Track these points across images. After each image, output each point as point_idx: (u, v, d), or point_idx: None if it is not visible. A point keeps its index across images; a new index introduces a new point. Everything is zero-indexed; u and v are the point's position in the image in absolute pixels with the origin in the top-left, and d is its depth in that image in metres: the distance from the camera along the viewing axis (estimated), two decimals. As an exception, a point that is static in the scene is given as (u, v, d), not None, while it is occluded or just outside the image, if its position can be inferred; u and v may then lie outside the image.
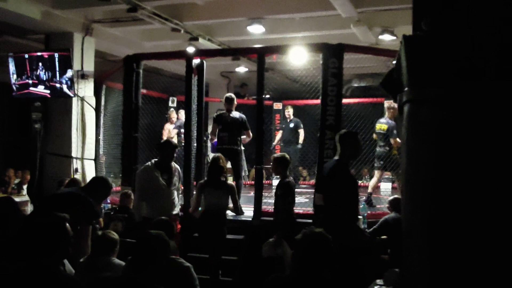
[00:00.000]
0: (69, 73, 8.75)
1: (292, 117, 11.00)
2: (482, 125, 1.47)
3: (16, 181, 10.84)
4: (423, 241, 1.67)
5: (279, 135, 11.64)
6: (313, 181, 11.76)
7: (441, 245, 1.59)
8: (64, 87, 8.77)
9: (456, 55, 1.48)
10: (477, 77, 1.47)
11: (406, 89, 1.69)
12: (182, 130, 9.79)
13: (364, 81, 12.83)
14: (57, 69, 8.72)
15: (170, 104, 11.74)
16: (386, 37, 9.25)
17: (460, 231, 1.55)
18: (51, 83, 8.84)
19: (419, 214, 1.66)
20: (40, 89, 8.92)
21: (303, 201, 8.52)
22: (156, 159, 6.07)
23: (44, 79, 8.86)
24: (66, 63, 8.73)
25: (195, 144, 7.55)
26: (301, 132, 10.76)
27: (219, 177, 5.92)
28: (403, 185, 1.77)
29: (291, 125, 10.88)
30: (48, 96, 8.99)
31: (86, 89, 9.42)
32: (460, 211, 1.53)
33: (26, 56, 8.90)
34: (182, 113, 10.19)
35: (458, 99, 1.49)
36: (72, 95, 8.90)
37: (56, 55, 8.69)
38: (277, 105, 12.63)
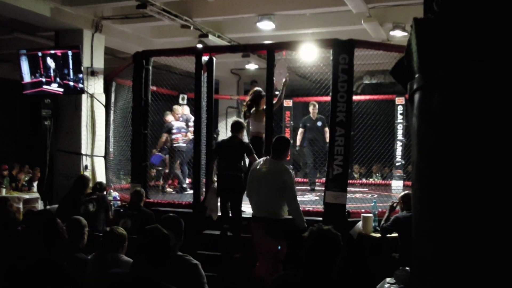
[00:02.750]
0: (80, 68, 8.75)
1: (317, 114, 10.06)
2: (497, 112, 1.40)
3: (27, 178, 10.90)
4: (432, 235, 1.60)
5: (300, 134, 10.16)
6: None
7: (450, 238, 1.53)
8: (78, 84, 8.78)
9: (469, 37, 1.41)
10: (492, 61, 1.40)
11: (416, 75, 1.62)
12: (190, 124, 9.75)
13: (376, 78, 12.74)
14: (71, 66, 8.73)
15: (180, 101, 11.71)
16: (398, 33, 9.16)
17: (472, 227, 1.49)
18: (64, 81, 8.85)
19: (430, 207, 1.60)
20: (54, 87, 8.94)
21: (313, 199, 8.49)
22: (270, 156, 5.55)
23: (58, 76, 8.86)
24: (79, 60, 8.74)
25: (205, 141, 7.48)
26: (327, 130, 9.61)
27: None
28: (413, 177, 1.71)
29: (319, 123, 9.93)
30: (61, 93, 9.00)
31: (96, 86, 9.44)
32: (474, 206, 1.47)
33: (40, 54, 8.92)
34: (184, 108, 10.11)
35: (472, 84, 1.42)
36: (82, 89, 8.91)
37: (70, 52, 8.70)
38: (287, 102, 12.57)
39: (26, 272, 2.80)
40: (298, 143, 10.16)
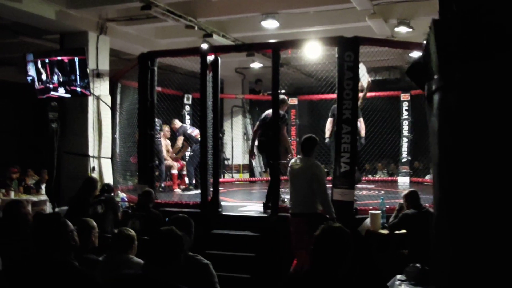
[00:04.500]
0: (87, 73, 8.77)
1: None
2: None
3: (34, 180, 10.94)
4: (452, 234, 1.60)
5: (329, 124, 8.61)
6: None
7: (471, 237, 1.52)
8: (85, 90, 8.80)
9: (490, 37, 1.41)
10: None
11: (435, 76, 1.62)
12: (190, 130, 9.91)
13: (380, 75, 12.73)
14: (78, 73, 8.74)
15: (185, 101, 11.75)
16: (402, 29, 9.13)
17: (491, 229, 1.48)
18: (71, 87, 8.86)
19: (451, 207, 1.60)
20: (61, 92, 8.96)
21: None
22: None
23: (65, 83, 8.88)
24: (85, 66, 8.76)
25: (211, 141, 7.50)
26: (362, 121, 8.64)
27: None
28: (434, 177, 1.70)
29: None
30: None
31: (102, 87, 9.46)
32: (496, 205, 1.46)
33: (47, 60, 8.93)
34: (176, 121, 10.21)
35: (493, 84, 1.42)
36: (89, 94, 8.93)
37: (76, 59, 8.69)
38: (292, 100, 12.56)
39: (36, 272, 2.82)
40: (327, 134, 8.65)
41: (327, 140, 8.65)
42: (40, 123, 9.21)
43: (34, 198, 9.94)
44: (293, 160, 6.06)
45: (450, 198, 1.57)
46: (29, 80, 9.14)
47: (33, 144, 12.36)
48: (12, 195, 9.69)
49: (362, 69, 7.65)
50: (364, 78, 7.82)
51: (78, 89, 8.82)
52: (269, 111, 7.38)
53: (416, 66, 1.80)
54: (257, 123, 7.83)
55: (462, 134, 1.47)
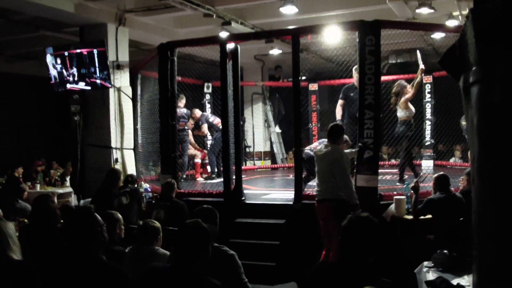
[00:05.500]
0: (106, 65, 8.78)
1: None
2: None
3: (59, 173, 11.09)
4: (494, 230, 1.56)
5: (340, 106, 8.41)
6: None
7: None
8: (105, 82, 8.83)
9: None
10: None
11: (474, 68, 1.56)
12: (212, 119, 9.96)
13: (402, 57, 12.53)
14: (97, 65, 8.76)
15: (205, 90, 11.74)
16: (424, 11, 8.94)
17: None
18: (91, 79, 8.89)
19: (492, 201, 1.55)
20: (81, 85, 8.99)
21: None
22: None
23: (84, 75, 8.92)
24: (105, 58, 8.77)
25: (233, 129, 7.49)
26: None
27: None
28: (474, 172, 1.65)
29: None
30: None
31: (122, 79, 9.49)
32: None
33: (66, 53, 8.96)
34: (196, 111, 10.27)
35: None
36: (109, 86, 8.95)
37: (95, 51, 8.71)
38: (313, 86, 12.46)
39: (67, 266, 2.86)
40: (338, 117, 8.41)
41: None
42: (63, 116, 9.27)
43: (60, 191, 10.07)
44: (318, 147, 6.02)
45: (491, 193, 1.52)
46: (49, 75, 9.20)
47: (57, 137, 12.49)
48: (38, 188, 9.84)
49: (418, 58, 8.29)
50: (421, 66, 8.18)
51: (98, 81, 8.85)
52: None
53: (450, 56, 1.74)
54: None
55: (507, 129, 1.41)
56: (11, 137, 13.81)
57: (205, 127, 10.13)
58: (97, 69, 8.78)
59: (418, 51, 8.33)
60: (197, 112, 10.28)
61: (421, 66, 8.16)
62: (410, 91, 8.17)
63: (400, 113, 8.11)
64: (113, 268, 2.89)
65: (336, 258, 5.14)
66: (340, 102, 8.43)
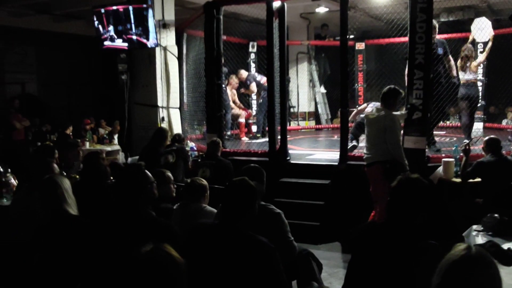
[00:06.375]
0: (149, 23, 8.70)
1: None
2: None
3: (107, 131, 11.36)
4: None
5: None
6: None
7: None
8: (141, 38, 8.79)
9: None
10: None
11: None
12: (259, 78, 9.91)
13: (453, 15, 12.05)
14: (132, 21, 8.71)
15: (250, 49, 11.66)
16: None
17: None
18: (128, 36, 8.88)
19: None
20: (118, 42, 8.99)
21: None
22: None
23: (121, 32, 8.90)
24: (141, 14, 8.70)
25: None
26: (451, 59, 7.78)
27: None
28: None
29: (440, 50, 7.46)
30: (126, 48, 9.04)
31: (168, 38, 9.50)
32: None
33: (103, 11, 8.94)
34: (242, 71, 10.21)
35: None
36: (152, 45, 8.91)
37: (131, 8, 8.66)
38: (360, 45, 12.20)
39: (119, 223, 2.95)
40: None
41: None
42: (110, 75, 9.40)
43: (108, 148, 10.33)
44: (369, 110, 5.90)
45: None
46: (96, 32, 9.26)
47: (105, 95, 12.73)
48: (87, 145, 10.12)
49: (488, 25, 8.69)
50: (489, 34, 8.43)
51: (134, 37, 8.78)
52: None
53: None
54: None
55: None
56: (61, 96, 14.17)
57: (253, 86, 10.12)
58: (133, 25, 8.71)
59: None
60: (243, 73, 10.26)
61: (492, 32, 8.30)
62: (480, 55, 8.37)
63: (469, 76, 7.80)
64: (162, 223, 2.96)
65: (382, 220, 5.12)
66: None
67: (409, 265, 2.53)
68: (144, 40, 8.83)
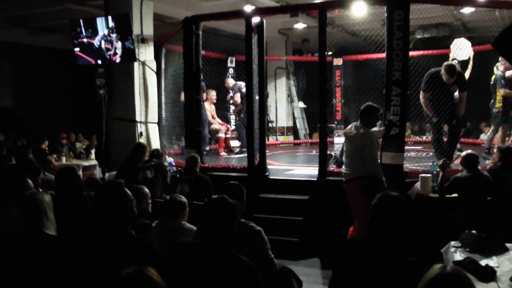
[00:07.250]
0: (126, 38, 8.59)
1: None
2: None
3: (84, 145, 11.22)
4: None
5: (422, 100, 7.60)
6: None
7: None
8: (116, 55, 8.68)
9: None
10: None
11: None
12: (244, 89, 9.88)
13: (429, 32, 12.28)
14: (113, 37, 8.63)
15: (229, 64, 11.69)
16: (454, -16, 8.70)
17: None
18: (100, 52, 8.77)
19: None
20: (90, 57, 8.87)
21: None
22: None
23: (96, 46, 8.79)
24: (125, 28, 8.60)
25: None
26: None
27: None
28: None
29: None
30: (99, 64, 8.90)
31: (147, 53, 9.44)
32: None
33: (81, 23, 8.85)
34: (229, 79, 10.26)
35: None
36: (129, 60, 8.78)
37: (110, 19, 8.55)
38: (337, 61, 12.32)
39: (98, 242, 2.89)
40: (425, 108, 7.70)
41: (435, 120, 7.56)
42: (88, 90, 9.29)
43: (85, 163, 10.20)
44: (348, 127, 5.94)
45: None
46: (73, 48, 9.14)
47: (82, 110, 12.60)
48: (64, 160, 9.98)
49: (467, 45, 8.76)
50: (468, 53, 8.65)
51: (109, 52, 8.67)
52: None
53: (505, 37, 1.67)
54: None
55: None
56: (37, 110, 13.99)
57: (237, 97, 10.13)
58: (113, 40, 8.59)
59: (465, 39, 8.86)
60: (230, 81, 10.36)
61: (472, 52, 8.66)
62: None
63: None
64: (144, 243, 2.91)
65: (360, 236, 5.13)
66: (422, 94, 7.54)
67: (389, 283, 2.54)
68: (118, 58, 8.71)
